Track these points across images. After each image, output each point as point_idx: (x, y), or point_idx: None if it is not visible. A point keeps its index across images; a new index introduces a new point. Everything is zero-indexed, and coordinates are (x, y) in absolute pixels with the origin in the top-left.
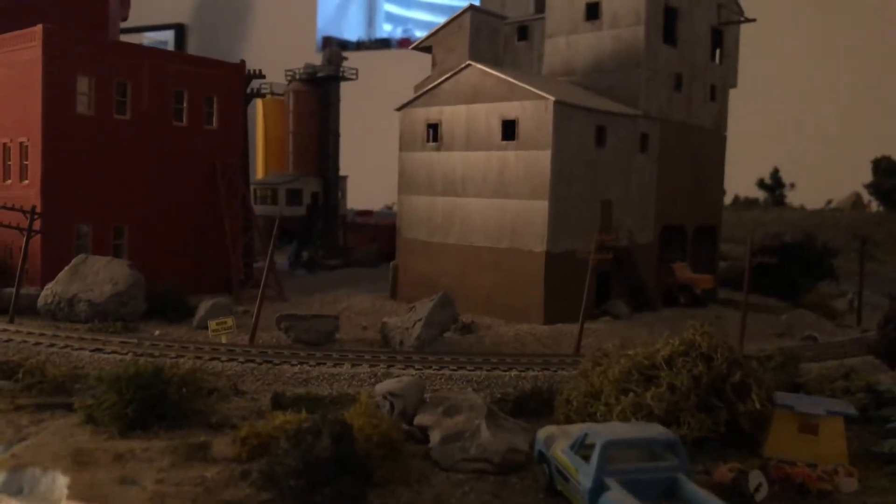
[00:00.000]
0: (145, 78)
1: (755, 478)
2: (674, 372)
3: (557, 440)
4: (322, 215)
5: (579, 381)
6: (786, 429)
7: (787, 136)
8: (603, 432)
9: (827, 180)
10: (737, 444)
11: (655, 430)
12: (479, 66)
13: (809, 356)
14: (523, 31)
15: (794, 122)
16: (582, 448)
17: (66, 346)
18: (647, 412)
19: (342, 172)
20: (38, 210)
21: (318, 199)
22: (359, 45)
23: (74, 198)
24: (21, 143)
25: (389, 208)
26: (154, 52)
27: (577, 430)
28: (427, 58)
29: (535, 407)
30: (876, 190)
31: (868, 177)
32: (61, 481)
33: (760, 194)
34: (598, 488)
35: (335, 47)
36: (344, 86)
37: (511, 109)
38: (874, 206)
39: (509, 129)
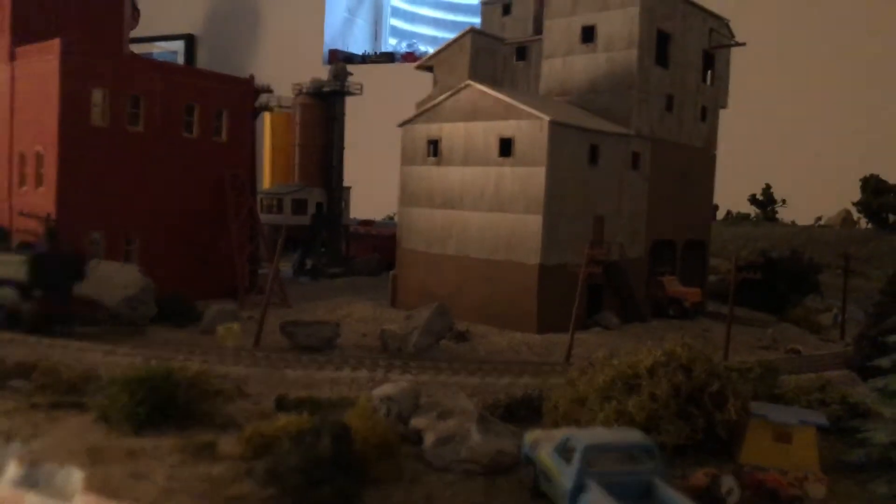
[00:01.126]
0: (158, 91)
1: (727, 482)
2: (655, 381)
3: (542, 444)
4: (326, 225)
5: (566, 388)
6: (760, 437)
7: (779, 153)
8: (584, 437)
9: (817, 197)
10: (714, 452)
11: (633, 436)
12: (478, 86)
13: (789, 369)
14: (522, 52)
15: (785, 140)
16: (564, 451)
17: (79, 349)
18: (628, 419)
19: (346, 183)
20: (53, 217)
21: (323, 209)
22: (364, 59)
23: (87, 205)
24: (37, 153)
25: (391, 219)
26: (166, 66)
27: (560, 434)
28: (429, 73)
29: (525, 413)
30: (864, 208)
31: (857, 195)
32: (76, 476)
33: (752, 210)
34: (579, 489)
35: (341, 62)
36: (349, 99)
37: (508, 128)
38: (863, 223)
39: (506, 147)
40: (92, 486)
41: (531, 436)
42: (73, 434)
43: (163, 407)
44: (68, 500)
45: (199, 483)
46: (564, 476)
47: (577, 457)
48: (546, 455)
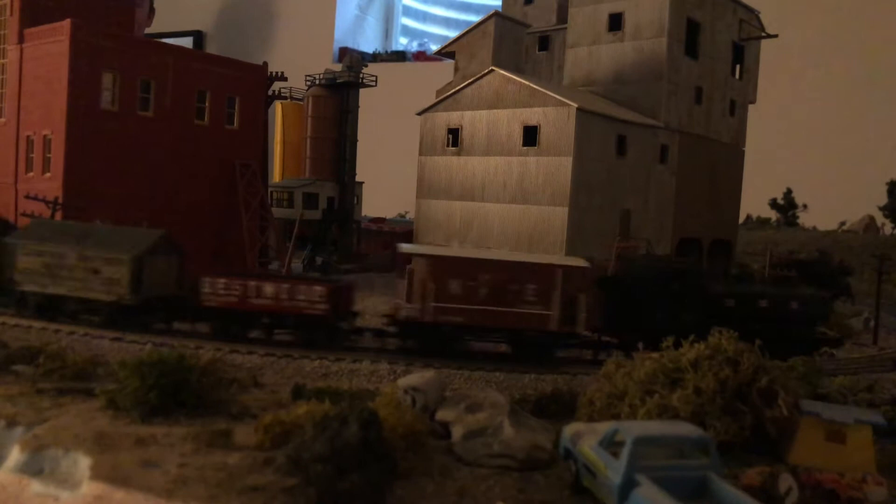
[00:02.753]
0: (169, 76)
1: (785, 481)
2: (699, 375)
3: (584, 437)
4: (337, 220)
5: (602, 382)
6: (812, 436)
7: (801, 156)
8: (633, 428)
9: (839, 202)
10: (761, 450)
11: (686, 428)
12: (501, 71)
13: (829, 370)
14: (544, 42)
15: (807, 143)
16: (611, 444)
17: (86, 334)
18: (672, 414)
19: (358, 179)
20: (61, 202)
21: (334, 204)
22: (375, 58)
23: (95, 191)
24: (45, 136)
25: (402, 216)
26: (179, 50)
27: (605, 426)
28: (443, 70)
29: (556, 409)
30: (891, 212)
31: (881, 200)
32: (83, 462)
33: (772, 214)
34: (629, 484)
35: (356, 54)
36: (360, 96)
37: (533, 115)
38: (888, 229)
39: (530, 135)
40: (100, 474)
41: (571, 428)
42: (80, 420)
43: (174, 393)
44: (75, 488)
45: (214, 472)
46: (612, 471)
47: (626, 450)
48: (590, 448)
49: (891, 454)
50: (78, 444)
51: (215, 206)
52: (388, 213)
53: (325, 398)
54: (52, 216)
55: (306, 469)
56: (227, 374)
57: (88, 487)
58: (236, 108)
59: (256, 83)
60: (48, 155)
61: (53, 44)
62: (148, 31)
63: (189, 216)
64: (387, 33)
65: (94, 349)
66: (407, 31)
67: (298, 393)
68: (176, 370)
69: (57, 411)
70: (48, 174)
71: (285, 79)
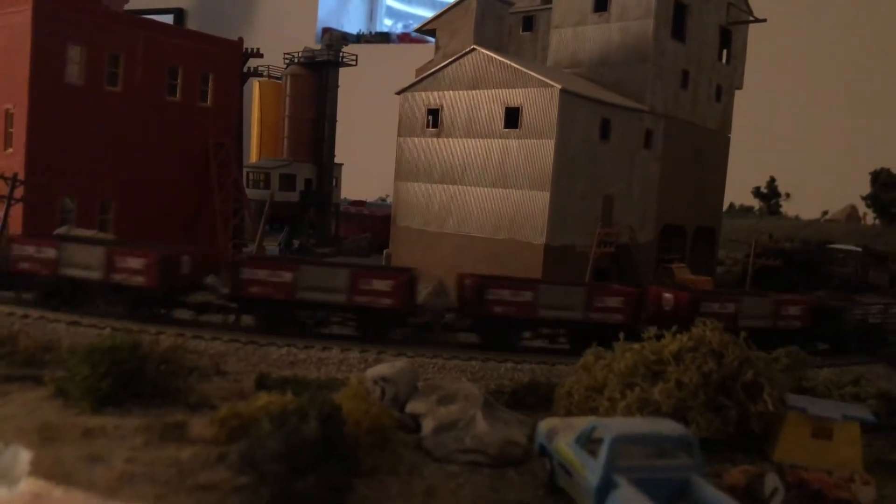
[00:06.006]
0: (140, 50)
1: (771, 482)
2: (682, 368)
3: (561, 433)
4: (315, 202)
5: (581, 374)
6: (798, 433)
7: (784, 145)
8: (612, 426)
9: (822, 192)
10: (745, 447)
11: (668, 427)
12: (483, 50)
13: (813, 361)
14: (528, 22)
15: (791, 131)
16: (589, 442)
17: (41, 317)
18: (653, 408)
19: (337, 160)
20: (21, 178)
21: (312, 186)
22: (359, 38)
23: (60, 168)
24: (7, 111)
25: (383, 199)
26: (150, 23)
27: (582, 423)
28: (425, 51)
29: (533, 400)
30: (874, 202)
31: (863, 189)
32: (24, 457)
33: (755, 203)
34: (606, 486)
35: (337, 32)
36: (341, 77)
37: (515, 96)
38: (869, 218)
39: (512, 117)
40: (40, 469)
41: (547, 423)
42: (25, 410)
43: (129, 382)
44: (13, 484)
45: (164, 468)
46: (589, 470)
47: (604, 449)
48: (566, 446)
49: (877, 450)
50: (20, 437)
51: (187, 186)
52: (369, 196)
53: (288, 389)
54: (11, 193)
55: (260, 467)
56: (188, 362)
57: (27, 484)
58: (210, 84)
59: (231, 59)
60: (10, 130)
61: (15, 13)
62: (127, 7)
63: (159, 196)
64: (371, 14)
65: (49, 333)
66: (392, 12)
67: (262, 382)
68: (130, 358)
69: (1, 400)
70: (10, 150)
71: (261, 56)
